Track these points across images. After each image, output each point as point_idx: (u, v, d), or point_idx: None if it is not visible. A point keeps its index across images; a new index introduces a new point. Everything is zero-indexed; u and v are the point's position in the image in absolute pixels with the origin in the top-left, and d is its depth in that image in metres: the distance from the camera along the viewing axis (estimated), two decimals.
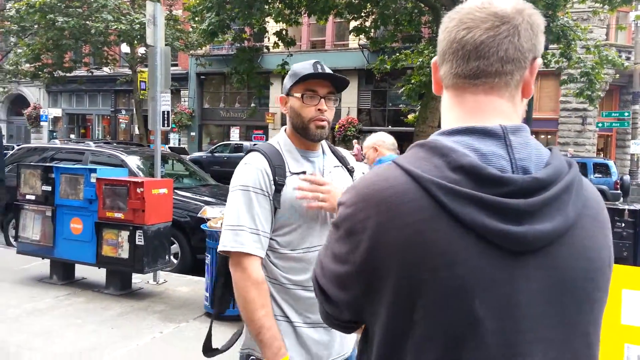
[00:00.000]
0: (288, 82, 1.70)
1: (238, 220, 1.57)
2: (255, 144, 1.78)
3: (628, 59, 20.27)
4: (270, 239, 1.63)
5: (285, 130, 1.77)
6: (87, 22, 17.23)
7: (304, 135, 1.68)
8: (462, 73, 0.83)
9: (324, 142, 1.80)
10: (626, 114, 19.55)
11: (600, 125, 20.61)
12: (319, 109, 1.65)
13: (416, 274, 0.73)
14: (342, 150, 1.93)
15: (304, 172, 1.68)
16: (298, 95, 1.67)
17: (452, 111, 0.86)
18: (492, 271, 0.72)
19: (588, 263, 0.77)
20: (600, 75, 13.47)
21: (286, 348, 1.53)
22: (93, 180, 5.25)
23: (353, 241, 0.78)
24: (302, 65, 1.69)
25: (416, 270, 0.72)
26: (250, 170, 1.62)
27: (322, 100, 1.66)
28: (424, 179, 0.74)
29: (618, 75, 19.85)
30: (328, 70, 1.68)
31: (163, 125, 6.03)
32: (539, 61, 0.83)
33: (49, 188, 5.53)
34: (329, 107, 1.68)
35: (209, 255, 4.59)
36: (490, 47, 0.80)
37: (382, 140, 3.86)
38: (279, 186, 1.62)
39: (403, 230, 0.73)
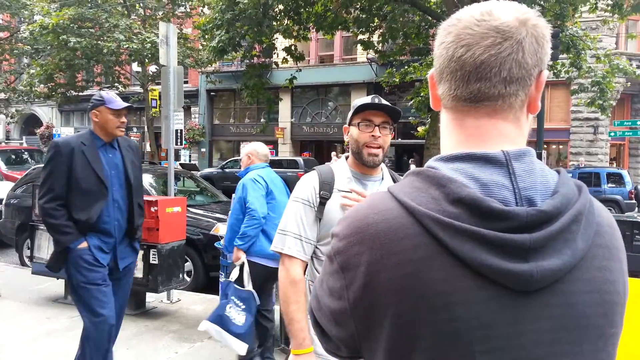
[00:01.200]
0: (350, 113, 1.96)
1: (285, 226, 1.89)
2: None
3: (639, 67, 20.15)
4: (316, 247, 1.90)
5: (346, 157, 2.04)
6: (99, 42, 17.54)
7: (359, 159, 1.93)
8: (462, 96, 0.76)
9: (385, 169, 2.05)
10: (638, 122, 19.38)
11: (612, 134, 20.44)
12: (372, 135, 1.89)
13: (413, 315, 0.68)
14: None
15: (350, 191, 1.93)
16: (356, 123, 1.93)
17: (452, 135, 0.80)
18: (495, 312, 0.67)
19: (601, 296, 0.71)
20: (611, 84, 13.42)
21: (311, 341, 1.72)
22: None
23: (347, 277, 0.73)
24: (362, 99, 1.95)
25: (413, 311, 0.68)
26: (303, 185, 1.93)
27: (377, 128, 1.90)
28: (420, 213, 0.69)
29: (629, 83, 19.72)
30: (385, 103, 1.92)
31: (176, 144, 6.09)
32: (546, 73, 0.77)
33: None
34: (383, 135, 1.92)
35: (223, 274, 4.57)
36: (492, 67, 0.72)
37: (255, 150, 4.13)
38: (323, 199, 1.89)
39: (399, 269, 0.68)
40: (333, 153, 22.40)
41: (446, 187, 0.70)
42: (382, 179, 2.01)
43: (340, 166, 1.99)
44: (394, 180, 2.04)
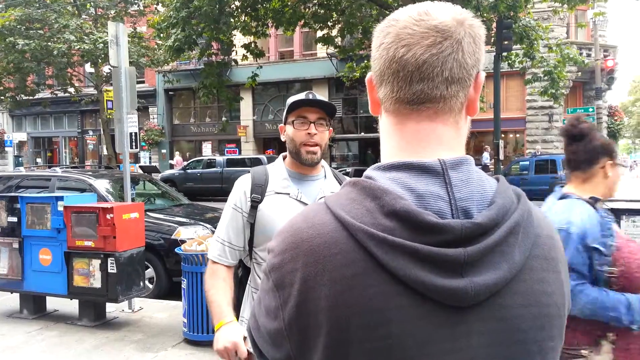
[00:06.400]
0: (285, 112, 1.89)
1: (216, 232, 1.92)
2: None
3: (589, 55, 20.83)
4: (255, 252, 1.87)
5: (282, 155, 1.98)
6: (49, 43, 16.90)
7: (298, 159, 1.86)
8: (405, 98, 0.73)
9: (327, 167, 1.99)
10: (590, 109, 20.05)
11: (566, 121, 21.07)
12: (308, 133, 1.82)
13: (347, 334, 0.65)
14: (346, 178, 1.99)
15: (287, 194, 1.85)
16: (291, 121, 1.86)
17: (392, 140, 0.77)
18: (429, 329, 0.65)
19: (539, 309, 0.70)
20: (562, 74, 13.78)
21: (225, 316, 1.74)
22: (60, 208, 5.07)
23: (282, 295, 0.70)
24: (296, 96, 1.88)
25: (347, 330, 0.65)
26: (235, 189, 1.91)
27: (312, 125, 1.83)
28: (354, 227, 0.66)
29: (580, 73, 20.36)
30: (320, 99, 1.85)
31: (131, 147, 5.90)
32: (483, 75, 0.76)
33: (14, 219, 5.33)
34: (320, 132, 1.85)
35: (185, 280, 4.46)
36: (434, 66, 0.70)
37: None
38: (254, 203, 1.83)
39: (332, 286, 0.66)
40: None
41: (381, 199, 0.68)
42: (325, 177, 1.96)
43: (277, 167, 1.93)
44: (337, 178, 2.00)
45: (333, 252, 0.67)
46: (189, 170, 20.02)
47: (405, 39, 0.72)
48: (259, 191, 1.84)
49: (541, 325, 0.70)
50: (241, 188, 1.88)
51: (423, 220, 0.65)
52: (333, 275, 0.66)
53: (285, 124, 1.90)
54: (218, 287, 1.82)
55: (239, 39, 14.52)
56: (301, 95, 1.85)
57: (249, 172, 1.95)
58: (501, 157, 14.18)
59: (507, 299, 0.67)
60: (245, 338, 1.58)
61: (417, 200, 0.68)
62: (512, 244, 0.68)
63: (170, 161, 25.91)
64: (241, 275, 2.03)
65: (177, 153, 26.08)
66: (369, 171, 0.74)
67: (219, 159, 20.14)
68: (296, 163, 1.88)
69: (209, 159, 20.65)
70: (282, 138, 1.92)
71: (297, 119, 1.84)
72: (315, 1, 12.66)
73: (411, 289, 0.64)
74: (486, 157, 20.19)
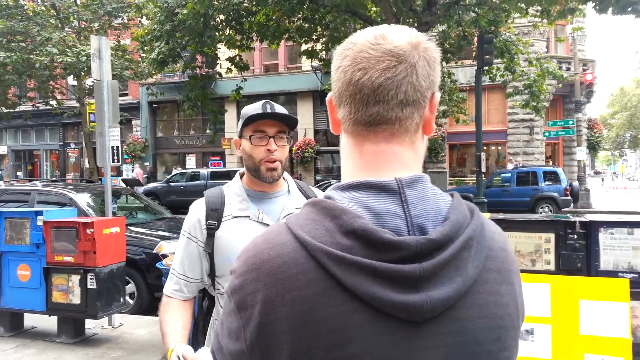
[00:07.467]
0: (240, 124, 1.72)
1: (172, 263, 1.74)
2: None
3: (568, 69, 21.24)
4: (218, 283, 1.69)
5: (239, 173, 1.81)
6: (31, 56, 16.77)
7: (257, 177, 1.70)
8: (362, 119, 0.76)
9: (291, 181, 1.83)
10: (570, 122, 20.39)
11: (547, 134, 21.42)
12: (268, 149, 1.66)
13: (308, 355, 0.66)
14: (315, 190, 1.92)
15: (247, 217, 1.68)
16: (247, 136, 1.69)
17: (351, 160, 0.79)
18: (389, 345, 0.66)
19: (493, 321, 0.72)
20: (542, 87, 14.04)
21: (171, 343, 1.52)
22: (40, 223, 5.00)
23: (244, 316, 0.70)
24: (251, 107, 1.70)
25: (308, 351, 0.66)
26: (189, 216, 1.73)
27: (272, 140, 1.67)
28: (313, 247, 0.68)
29: (560, 85, 20.74)
30: (279, 109, 1.68)
31: (113, 161, 5.85)
32: (438, 95, 0.79)
33: None
34: (280, 146, 1.69)
35: None
36: (389, 89, 0.73)
37: None
38: (210, 230, 1.66)
39: (293, 307, 0.66)
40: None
41: (339, 219, 0.69)
42: (288, 192, 1.79)
43: (233, 187, 1.75)
44: (303, 191, 1.84)
45: (293, 272, 0.67)
46: (172, 183, 19.88)
47: (362, 63, 0.74)
48: (214, 216, 1.67)
49: (497, 336, 0.72)
50: (195, 215, 1.70)
51: (380, 238, 0.66)
52: (294, 296, 0.67)
53: (240, 137, 1.73)
54: (167, 319, 1.64)
55: (224, 52, 14.54)
56: (257, 107, 1.67)
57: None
58: (483, 169, 14.32)
59: (462, 312, 0.69)
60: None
61: (374, 218, 0.69)
62: (466, 258, 0.70)
63: (131, 174, 25.34)
64: (207, 306, 1.86)
65: (136, 165, 25.59)
66: (329, 191, 0.76)
67: (203, 171, 20.04)
68: (255, 181, 1.72)
69: (192, 172, 20.55)
70: (238, 153, 1.77)
71: (255, 134, 1.67)
72: (300, 15, 12.75)
73: (369, 305, 0.65)
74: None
